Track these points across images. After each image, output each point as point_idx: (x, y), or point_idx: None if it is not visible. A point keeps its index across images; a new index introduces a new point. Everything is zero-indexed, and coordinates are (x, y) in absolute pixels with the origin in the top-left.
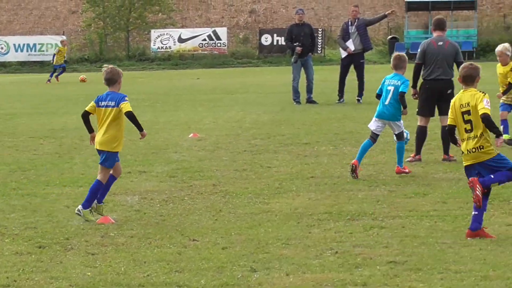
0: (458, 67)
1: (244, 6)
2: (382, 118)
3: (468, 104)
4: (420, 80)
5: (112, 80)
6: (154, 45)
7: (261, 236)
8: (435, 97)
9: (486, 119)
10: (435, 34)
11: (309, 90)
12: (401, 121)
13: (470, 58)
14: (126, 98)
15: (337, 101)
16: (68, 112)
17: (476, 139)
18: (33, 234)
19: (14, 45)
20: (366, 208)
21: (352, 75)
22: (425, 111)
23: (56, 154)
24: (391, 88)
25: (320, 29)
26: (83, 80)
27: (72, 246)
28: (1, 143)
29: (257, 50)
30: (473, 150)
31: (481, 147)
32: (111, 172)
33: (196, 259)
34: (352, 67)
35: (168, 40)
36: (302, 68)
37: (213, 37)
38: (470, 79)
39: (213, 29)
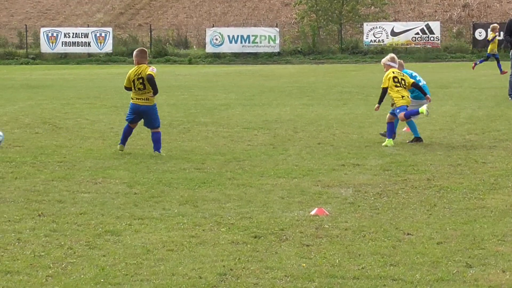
0: None
1: (457, 0)
2: None
3: None
4: None
5: None
6: (367, 38)
7: (476, 232)
8: None
9: None
10: None
11: None
12: None
13: None
14: None
15: None
16: (282, 103)
17: None
18: (248, 224)
19: (228, 36)
20: None
21: None
22: None
23: (270, 145)
24: None
25: None
26: None
27: (287, 237)
28: (216, 133)
29: (471, 45)
30: None
31: None
32: None
33: (411, 253)
34: None
35: (381, 33)
36: None
37: (426, 31)
38: None
39: (426, 23)
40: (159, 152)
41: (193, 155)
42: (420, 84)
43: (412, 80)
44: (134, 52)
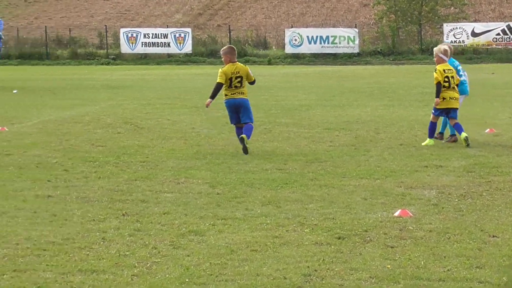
0: None
1: None
2: None
3: None
4: None
5: None
6: (447, 38)
7: None
8: None
9: None
10: None
11: None
12: None
13: None
14: None
15: None
16: (362, 104)
17: None
18: (331, 225)
19: (307, 37)
20: None
21: None
22: None
23: (352, 146)
24: None
25: None
26: None
27: (371, 238)
28: (298, 134)
29: None
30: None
31: None
32: None
33: (497, 256)
34: None
35: (461, 34)
36: None
37: (507, 32)
38: None
39: (507, 23)
40: (248, 138)
41: (274, 156)
42: (461, 79)
43: (459, 78)
44: (224, 50)
